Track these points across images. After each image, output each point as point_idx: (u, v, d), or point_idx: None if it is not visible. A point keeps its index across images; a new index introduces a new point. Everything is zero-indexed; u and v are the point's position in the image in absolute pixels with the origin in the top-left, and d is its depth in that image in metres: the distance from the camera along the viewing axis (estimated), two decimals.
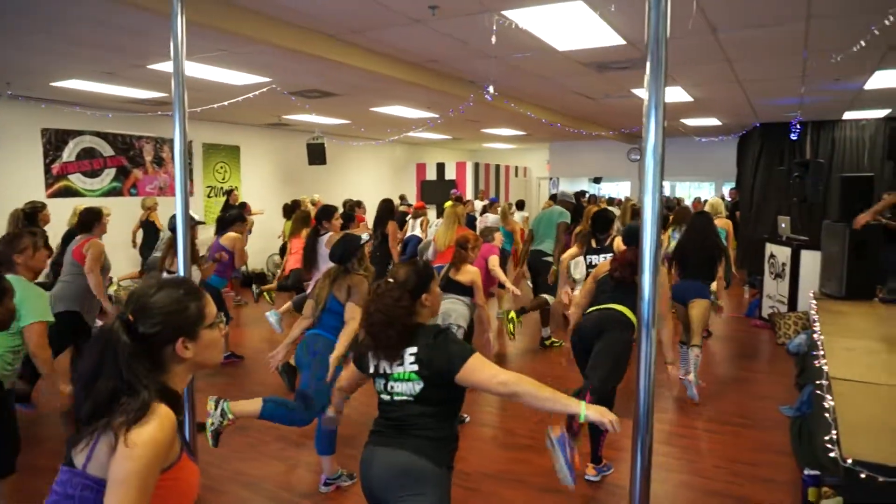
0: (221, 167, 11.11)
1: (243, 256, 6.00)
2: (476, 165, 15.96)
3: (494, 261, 5.60)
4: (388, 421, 2.08)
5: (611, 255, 4.96)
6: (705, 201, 12.65)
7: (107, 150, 9.22)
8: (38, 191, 8.24)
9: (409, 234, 9.13)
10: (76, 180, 8.83)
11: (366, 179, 14.51)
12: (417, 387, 2.02)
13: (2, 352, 2.82)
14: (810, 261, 6.83)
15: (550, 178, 17.85)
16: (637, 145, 12.66)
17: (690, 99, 8.37)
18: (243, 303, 9.11)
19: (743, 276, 10.30)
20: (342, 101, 8.42)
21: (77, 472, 1.26)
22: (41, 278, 6.16)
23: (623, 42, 5.21)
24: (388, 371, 2.07)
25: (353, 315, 3.39)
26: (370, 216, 8.83)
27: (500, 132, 12.87)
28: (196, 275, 5.02)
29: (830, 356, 3.72)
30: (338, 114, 9.82)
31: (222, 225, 6.11)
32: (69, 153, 8.72)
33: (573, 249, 6.16)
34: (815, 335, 4.48)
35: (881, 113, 10.11)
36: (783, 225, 7.89)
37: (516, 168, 17.96)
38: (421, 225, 9.07)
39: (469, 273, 4.63)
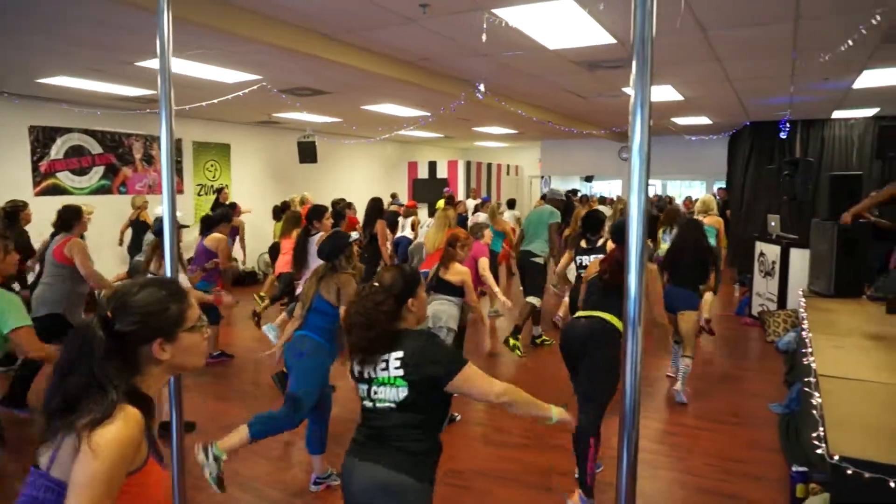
0: (212, 165, 11.05)
1: (228, 258, 5.88)
2: (468, 164, 15.97)
3: (484, 264, 5.43)
4: (370, 430, 2.04)
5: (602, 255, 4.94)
6: (696, 200, 12.71)
7: (95, 148, 9.14)
8: (25, 189, 8.17)
9: (399, 234, 9.04)
10: (64, 178, 8.76)
11: (357, 178, 14.48)
12: (402, 393, 1.97)
13: None
14: (799, 259, 6.87)
15: (542, 177, 17.88)
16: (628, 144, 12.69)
17: (681, 98, 8.40)
18: (234, 302, 9.07)
19: (733, 274, 10.36)
20: (333, 100, 8.40)
21: (41, 474, 1.23)
22: (30, 278, 6.13)
23: (613, 41, 5.22)
24: (373, 375, 2.02)
25: None
26: (360, 216, 8.80)
27: (492, 130, 12.87)
28: (184, 280, 4.91)
29: (818, 354, 3.75)
30: (329, 112, 9.79)
31: (206, 225, 6.01)
32: (57, 151, 8.64)
33: (566, 258, 6.16)
34: (803, 333, 4.52)
35: (869, 112, 10.19)
36: (773, 223, 7.93)
37: (508, 167, 17.97)
38: (412, 225, 8.96)
39: (459, 273, 4.55)
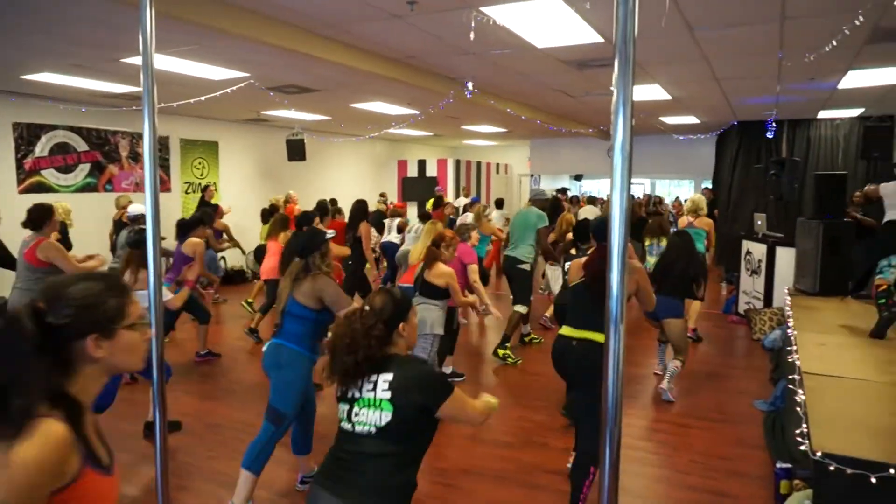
0: (199, 163, 10.98)
1: (203, 264, 5.64)
2: (457, 162, 15.96)
3: (474, 270, 5.38)
4: (342, 456, 1.95)
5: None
6: (686, 200, 12.76)
7: (81, 145, 9.05)
8: (9, 187, 8.08)
9: (384, 238, 8.76)
10: (49, 176, 8.66)
11: (346, 176, 14.44)
12: (385, 417, 1.89)
13: None
14: (785, 257, 6.93)
15: (532, 176, 17.92)
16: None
17: (669, 97, 8.44)
18: (222, 300, 9.03)
19: (720, 272, 10.43)
20: (321, 97, 8.36)
21: None
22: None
23: (601, 40, 5.23)
24: (357, 395, 1.95)
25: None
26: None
27: (481, 129, 12.88)
28: (166, 295, 4.75)
29: (803, 351, 3.78)
30: (317, 110, 9.75)
31: (182, 230, 5.78)
32: (42, 148, 8.54)
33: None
34: (789, 331, 4.55)
35: (855, 112, 10.29)
36: (759, 222, 8.00)
37: (497, 165, 17.99)
38: (398, 227, 8.60)
39: (444, 275, 4.43)
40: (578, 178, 20.37)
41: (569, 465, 3.63)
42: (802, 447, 2.67)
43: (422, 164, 15.90)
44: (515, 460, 3.99)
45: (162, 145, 10.24)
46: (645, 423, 4.63)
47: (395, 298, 2.07)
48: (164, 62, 5.89)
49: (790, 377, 3.82)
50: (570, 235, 6.65)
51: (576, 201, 13.78)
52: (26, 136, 8.36)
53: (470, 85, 6.71)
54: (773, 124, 10.42)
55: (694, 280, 5.35)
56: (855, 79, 7.11)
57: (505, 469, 3.86)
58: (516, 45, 5.52)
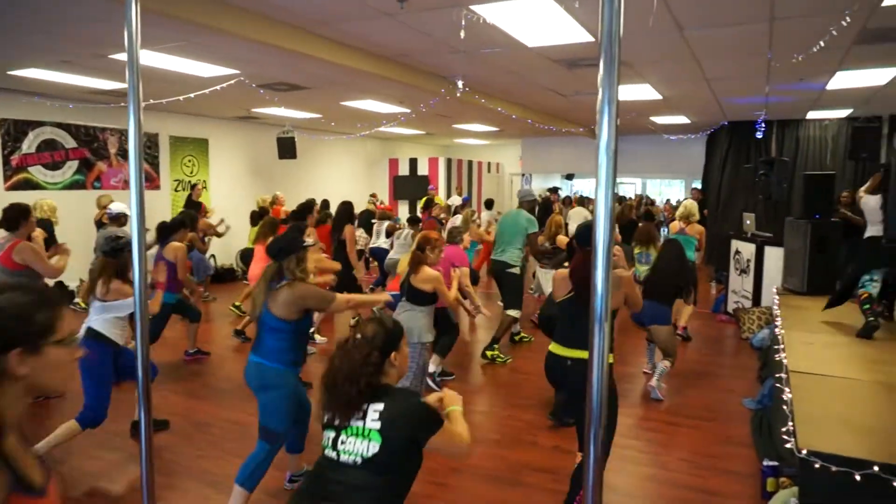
0: (189, 160, 10.92)
1: (185, 269, 5.48)
2: (448, 161, 15.96)
3: (465, 274, 5.30)
4: (320, 484, 1.88)
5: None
6: (677, 203, 12.78)
7: (69, 142, 8.98)
8: None
9: (372, 243, 8.47)
10: (37, 173, 8.59)
11: (338, 174, 14.40)
12: (373, 448, 1.84)
13: None
14: (774, 257, 6.97)
15: (523, 175, 17.94)
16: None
17: (660, 97, 8.47)
18: (211, 298, 8.99)
19: (710, 272, 10.49)
20: (312, 95, 8.34)
21: None
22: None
23: (591, 39, 5.24)
24: (346, 423, 1.90)
25: (339, 303, 3.26)
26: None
27: (473, 128, 12.88)
28: (156, 301, 4.66)
29: (790, 350, 3.81)
30: (308, 107, 9.72)
31: (163, 234, 5.59)
32: (29, 145, 8.47)
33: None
34: (776, 329, 4.58)
35: (843, 113, 10.37)
36: (748, 222, 8.04)
37: (489, 164, 18.01)
38: (388, 232, 8.24)
39: (430, 280, 4.27)
40: (570, 177, 20.40)
41: (576, 464, 3.64)
42: (788, 445, 2.69)
43: (413, 163, 15.89)
44: (504, 458, 3.99)
45: (151, 142, 10.18)
46: (633, 421, 4.64)
47: (387, 328, 2.03)
48: (154, 58, 5.85)
49: (777, 376, 3.85)
50: (560, 238, 6.64)
51: (568, 202, 13.80)
52: (13, 132, 8.28)
53: (460, 83, 6.70)
54: (763, 125, 10.48)
55: (683, 289, 5.40)
56: (843, 80, 7.16)
57: (494, 468, 3.87)
58: (507, 44, 5.52)
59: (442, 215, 10.01)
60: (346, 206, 7.32)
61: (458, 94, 7.07)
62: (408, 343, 4.13)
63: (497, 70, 6.80)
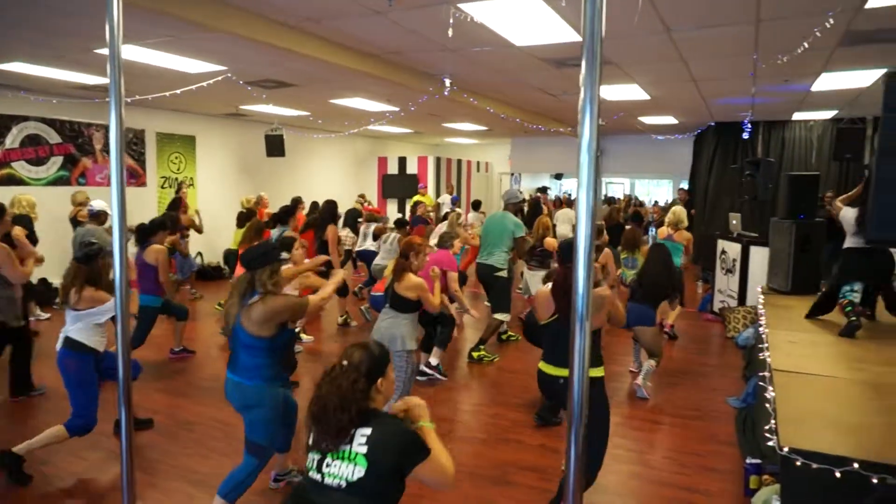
0: (176, 157, 10.82)
1: (166, 272, 5.40)
2: (438, 160, 15.94)
3: (454, 279, 5.29)
4: None
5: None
6: (666, 203, 12.86)
7: (53, 138, 8.87)
8: None
9: (360, 245, 8.36)
10: (20, 168, 8.48)
11: (326, 172, 14.34)
12: (358, 472, 1.82)
13: None
14: (759, 256, 7.02)
15: (512, 174, 17.97)
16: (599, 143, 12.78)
17: (647, 97, 8.51)
18: (198, 297, 8.93)
19: (696, 271, 10.56)
20: (300, 92, 8.29)
21: None
22: None
23: (579, 38, 5.23)
24: (332, 448, 1.88)
25: (313, 307, 3.22)
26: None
27: (462, 127, 12.87)
28: (135, 302, 4.57)
29: (774, 349, 3.83)
30: (296, 105, 9.67)
31: (143, 235, 5.43)
32: (13, 139, 8.36)
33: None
34: (760, 328, 4.62)
35: (828, 114, 10.47)
36: (734, 222, 8.10)
37: (478, 163, 18.01)
38: (375, 234, 8.09)
39: (414, 287, 4.21)
40: (558, 176, 20.46)
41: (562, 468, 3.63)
42: (771, 443, 2.71)
43: (402, 162, 15.85)
44: (489, 457, 4.00)
45: (138, 139, 10.09)
46: (619, 419, 4.66)
47: (373, 354, 2.02)
48: (139, 54, 5.80)
49: (761, 374, 3.87)
50: (549, 241, 6.64)
51: (559, 204, 13.80)
52: None
53: (447, 81, 6.69)
54: (749, 125, 10.56)
55: (669, 294, 5.44)
56: (828, 81, 7.23)
57: (479, 466, 3.87)
58: (495, 43, 5.52)
59: (429, 210, 9.92)
60: (330, 206, 7.25)
61: (447, 93, 7.06)
62: (393, 352, 4.12)
63: (486, 69, 6.80)
